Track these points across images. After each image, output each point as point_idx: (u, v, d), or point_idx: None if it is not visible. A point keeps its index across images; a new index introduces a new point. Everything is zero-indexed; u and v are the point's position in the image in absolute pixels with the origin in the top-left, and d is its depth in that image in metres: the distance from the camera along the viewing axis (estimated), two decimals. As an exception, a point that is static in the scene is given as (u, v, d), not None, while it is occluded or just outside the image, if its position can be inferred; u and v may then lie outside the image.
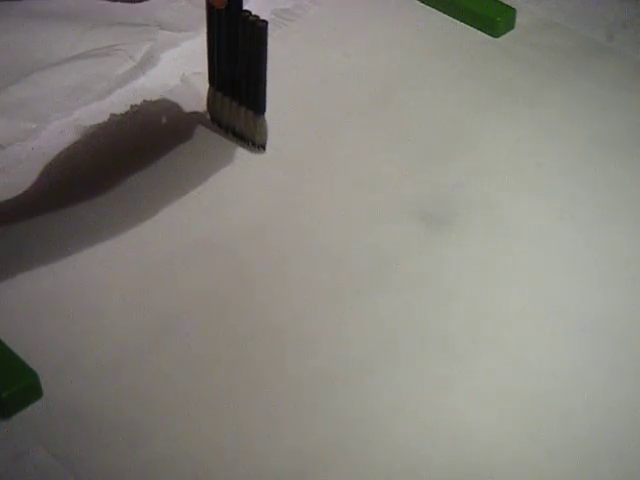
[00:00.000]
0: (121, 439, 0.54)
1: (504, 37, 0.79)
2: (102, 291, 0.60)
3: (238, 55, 0.66)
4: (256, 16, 0.65)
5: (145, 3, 0.80)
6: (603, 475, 0.53)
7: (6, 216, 0.64)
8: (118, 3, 0.81)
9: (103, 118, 0.72)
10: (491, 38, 0.79)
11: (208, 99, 0.70)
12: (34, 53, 0.70)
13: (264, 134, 0.68)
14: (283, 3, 0.82)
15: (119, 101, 0.73)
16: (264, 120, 0.67)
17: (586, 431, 0.54)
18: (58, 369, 0.56)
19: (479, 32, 0.79)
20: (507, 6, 0.80)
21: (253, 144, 0.68)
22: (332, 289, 0.61)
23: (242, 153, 0.69)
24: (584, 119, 0.72)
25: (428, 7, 0.82)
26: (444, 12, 0.81)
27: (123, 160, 0.68)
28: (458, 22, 0.80)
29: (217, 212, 0.65)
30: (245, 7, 0.82)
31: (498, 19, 0.79)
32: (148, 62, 0.76)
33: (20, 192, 0.66)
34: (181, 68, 0.76)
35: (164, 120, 0.71)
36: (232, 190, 0.66)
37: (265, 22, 0.65)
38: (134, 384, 0.56)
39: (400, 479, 0.52)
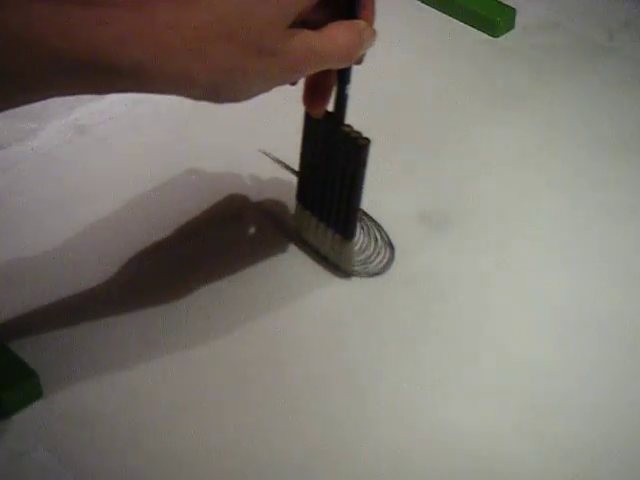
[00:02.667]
0: (121, 439, 0.54)
1: (504, 37, 0.79)
2: (102, 291, 0.60)
3: (333, 173, 0.60)
4: (358, 132, 0.59)
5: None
6: (604, 475, 0.53)
7: (6, 217, 0.64)
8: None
9: (103, 118, 0.72)
10: (491, 38, 0.79)
11: (294, 213, 0.64)
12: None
13: (350, 260, 0.62)
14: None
15: (119, 101, 0.73)
16: (352, 247, 0.61)
17: (586, 431, 0.54)
18: (58, 369, 0.56)
19: (479, 32, 0.79)
20: (507, 6, 0.80)
21: (338, 268, 0.62)
22: (331, 291, 0.61)
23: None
24: (584, 119, 0.72)
25: (428, 7, 0.82)
26: (444, 12, 0.81)
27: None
28: (458, 22, 0.80)
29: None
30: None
31: (498, 19, 0.79)
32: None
33: (22, 194, 0.66)
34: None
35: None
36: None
37: (367, 140, 0.58)
38: (134, 384, 0.56)
39: (399, 478, 0.52)
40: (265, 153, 0.69)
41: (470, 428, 0.54)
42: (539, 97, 0.74)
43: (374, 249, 0.63)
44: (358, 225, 0.64)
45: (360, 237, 0.64)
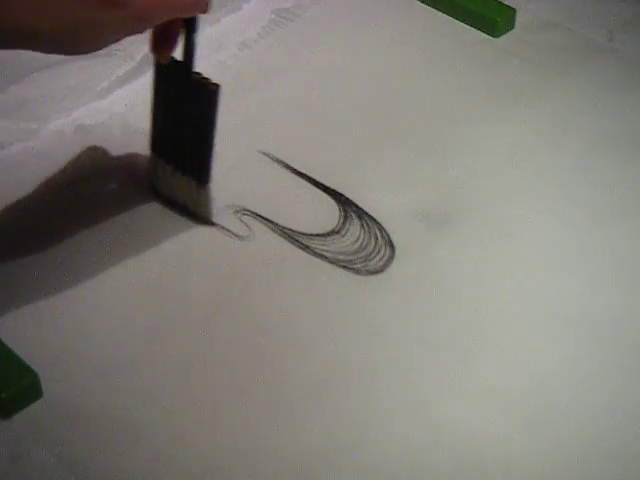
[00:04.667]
0: (121, 439, 0.54)
1: (504, 37, 0.79)
2: (102, 290, 0.60)
3: (185, 120, 0.61)
4: (207, 78, 0.60)
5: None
6: (604, 475, 0.53)
7: (6, 217, 0.64)
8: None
9: (103, 118, 0.72)
10: (491, 38, 0.79)
11: (149, 165, 0.65)
12: (34, 53, 0.70)
13: (208, 207, 0.63)
14: (283, 3, 0.82)
15: (119, 101, 0.73)
16: (208, 192, 0.63)
17: (586, 431, 0.54)
18: (58, 369, 0.56)
19: (479, 32, 0.79)
20: (507, 6, 0.80)
21: (196, 217, 0.63)
22: (331, 290, 0.61)
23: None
24: (584, 119, 0.72)
25: (428, 7, 0.82)
26: (444, 12, 0.81)
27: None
28: (458, 22, 0.80)
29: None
30: (245, 7, 0.83)
31: (498, 19, 0.79)
32: (148, 62, 0.76)
33: (22, 194, 0.66)
34: (181, 68, 0.76)
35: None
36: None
37: (217, 85, 0.60)
38: (134, 384, 0.56)
39: (399, 478, 0.52)
40: (265, 153, 0.69)
41: (470, 428, 0.54)
42: (539, 97, 0.74)
43: (374, 247, 0.63)
44: (358, 223, 0.64)
45: (360, 235, 0.64)
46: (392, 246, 0.63)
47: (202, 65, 0.76)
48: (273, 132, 0.71)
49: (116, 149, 0.68)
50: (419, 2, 0.82)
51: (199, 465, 0.53)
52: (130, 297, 0.60)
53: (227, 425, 0.54)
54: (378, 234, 0.64)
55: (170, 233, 0.63)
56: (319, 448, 0.53)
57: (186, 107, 0.61)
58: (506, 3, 0.80)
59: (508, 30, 0.80)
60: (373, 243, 0.63)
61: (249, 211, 0.65)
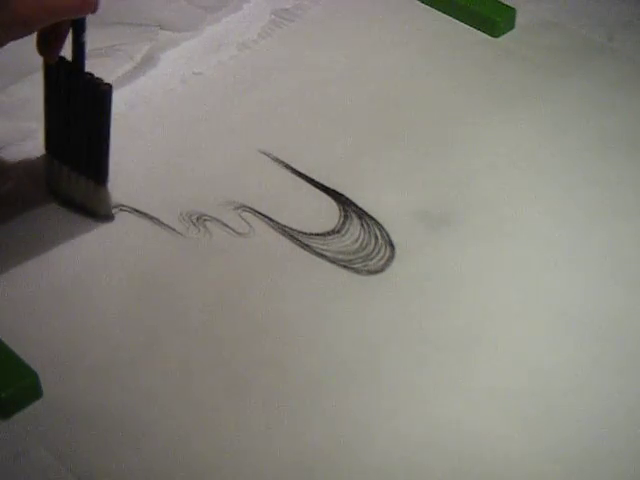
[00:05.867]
0: (121, 439, 0.53)
1: (504, 37, 0.79)
2: (102, 290, 0.60)
3: (79, 121, 0.61)
4: (99, 78, 0.60)
5: (145, 3, 0.80)
6: (603, 475, 0.53)
7: (6, 216, 0.64)
8: (118, 2, 0.81)
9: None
10: (491, 38, 0.79)
11: (44, 166, 0.65)
12: (34, 53, 0.70)
13: (107, 205, 0.63)
14: (283, 3, 0.82)
15: (119, 101, 0.73)
16: (106, 192, 0.63)
17: (586, 431, 0.54)
18: (58, 369, 0.56)
19: (479, 32, 0.79)
20: (507, 6, 0.80)
21: (95, 215, 0.63)
22: (331, 289, 0.61)
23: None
24: (584, 119, 0.72)
25: (428, 7, 0.82)
26: (444, 12, 0.81)
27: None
28: (458, 22, 0.80)
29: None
30: (245, 7, 0.84)
31: (498, 19, 0.79)
32: (148, 62, 0.76)
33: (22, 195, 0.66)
34: (181, 68, 0.76)
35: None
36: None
37: (109, 85, 0.59)
38: (134, 384, 0.56)
39: (399, 478, 0.52)
40: (265, 153, 0.69)
41: (470, 428, 0.54)
42: (539, 97, 0.74)
43: (374, 247, 0.63)
44: (358, 223, 0.64)
45: (360, 235, 0.64)
46: (392, 246, 0.63)
47: (202, 65, 0.76)
48: (273, 132, 0.71)
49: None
50: (419, 2, 0.82)
51: (199, 465, 0.53)
52: (130, 297, 0.60)
53: (227, 425, 0.54)
54: (378, 234, 0.64)
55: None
56: (319, 448, 0.53)
57: (79, 108, 0.60)
58: (506, 3, 0.80)
59: (508, 30, 0.80)
60: (373, 243, 0.63)
61: (249, 208, 0.65)
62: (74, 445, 0.53)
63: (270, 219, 0.65)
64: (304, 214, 0.65)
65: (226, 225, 0.64)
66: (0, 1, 0.50)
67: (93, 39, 0.76)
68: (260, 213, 0.65)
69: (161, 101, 0.73)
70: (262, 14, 0.81)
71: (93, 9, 0.56)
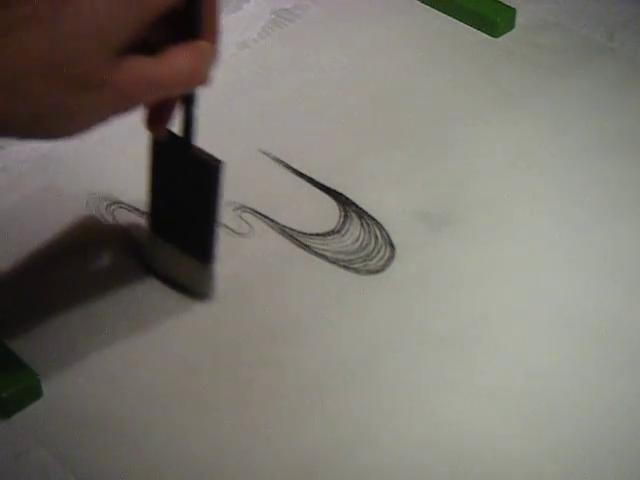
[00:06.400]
0: (121, 439, 0.53)
1: (504, 37, 0.79)
2: (103, 290, 0.60)
3: (184, 196, 0.57)
4: (209, 154, 0.55)
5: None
6: (603, 475, 0.53)
7: (6, 216, 0.64)
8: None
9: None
10: (491, 38, 0.79)
11: (146, 242, 0.61)
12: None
13: (211, 285, 0.59)
14: (283, 3, 0.82)
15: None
16: (211, 272, 0.58)
17: (586, 431, 0.54)
18: (58, 369, 0.56)
19: (479, 32, 0.79)
20: (507, 6, 0.80)
21: (196, 294, 0.59)
22: (331, 289, 0.61)
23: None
24: (584, 119, 0.72)
25: (428, 7, 0.82)
26: (444, 12, 0.81)
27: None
28: (458, 22, 0.80)
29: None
30: (245, 7, 0.84)
31: (498, 19, 0.79)
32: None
33: (22, 195, 0.66)
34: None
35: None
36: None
37: (219, 162, 0.55)
38: (134, 384, 0.56)
39: (399, 478, 0.52)
40: (265, 153, 0.69)
41: (470, 428, 0.54)
42: (539, 97, 0.74)
43: (374, 247, 0.63)
44: (358, 223, 0.64)
45: (360, 235, 0.64)
46: (392, 246, 0.63)
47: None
48: (273, 132, 0.71)
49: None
50: (419, 2, 0.82)
51: (200, 465, 0.53)
52: (131, 296, 0.60)
53: (227, 425, 0.54)
54: (378, 234, 0.64)
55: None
56: (320, 448, 0.53)
57: (186, 184, 0.56)
58: (506, 3, 0.80)
59: (508, 30, 0.80)
60: (373, 243, 0.63)
61: (249, 208, 0.65)
62: (74, 445, 0.53)
63: (270, 219, 0.65)
64: (304, 214, 0.65)
65: (226, 225, 0.64)
66: (103, 77, 0.47)
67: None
68: (260, 213, 0.65)
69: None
70: (262, 14, 0.81)
71: (205, 82, 0.51)
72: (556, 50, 0.78)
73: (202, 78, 0.51)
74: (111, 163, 0.68)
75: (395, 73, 0.76)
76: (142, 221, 0.62)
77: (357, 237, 0.63)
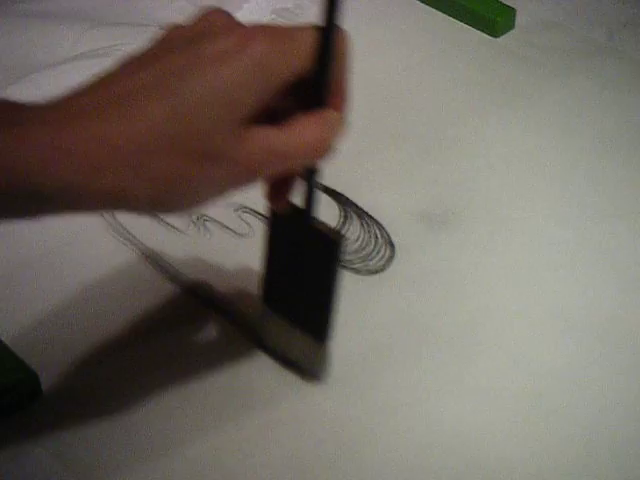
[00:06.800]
0: (121, 439, 0.53)
1: (504, 37, 0.79)
2: (102, 291, 0.60)
3: (302, 271, 0.53)
4: (330, 227, 0.52)
5: (145, 3, 0.80)
6: (603, 475, 0.53)
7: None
8: (118, 2, 0.81)
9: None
10: (491, 38, 0.79)
11: (257, 314, 0.57)
12: (34, 53, 0.70)
13: (324, 364, 0.55)
14: (283, 3, 0.82)
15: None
16: (326, 350, 0.55)
17: (586, 431, 0.54)
18: (58, 369, 0.56)
19: (479, 32, 0.79)
20: (507, 6, 0.80)
21: (306, 373, 0.56)
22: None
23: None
24: (584, 119, 0.72)
25: (428, 7, 0.82)
26: (444, 12, 0.81)
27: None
28: (458, 22, 0.80)
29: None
30: (245, 7, 0.84)
31: (498, 19, 0.79)
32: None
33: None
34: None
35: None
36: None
37: (341, 236, 0.52)
38: (135, 384, 0.56)
39: (398, 478, 0.52)
40: None
41: (470, 428, 0.54)
42: (539, 97, 0.74)
43: (374, 247, 0.63)
44: (358, 223, 0.64)
45: (360, 234, 0.64)
46: (392, 246, 0.63)
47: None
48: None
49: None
50: (419, 2, 0.82)
51: (200, 465, 0.53)
52: (131, 296, 0.60)
53: (227, 425, 0.54)
54: (378, 234, 0.64)
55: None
56: (320, 448, 0.53)
57: (305, 258, 0.53)
58: (506, 3, 0.80)
59: (508, 30, 0.80)
60: (373, 243, 0.63)
61: (249, 208, 0.65)
62: (74, 445, 0.53)
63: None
64: (304, 214, 0.65)
65: (226, 226, 0.64)
66: (227, 150, 0.44)
67: (94, 39, 0.76)
68: (260, 213, 0.65)
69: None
70: (262, 14, 0.81)
71: (329, 152, 0.49)
72: (556, 50, 0.78)
73: (328, 149, 0.48)
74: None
75: (395, 73, 0.76)
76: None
77: (357, 237, 0.63)
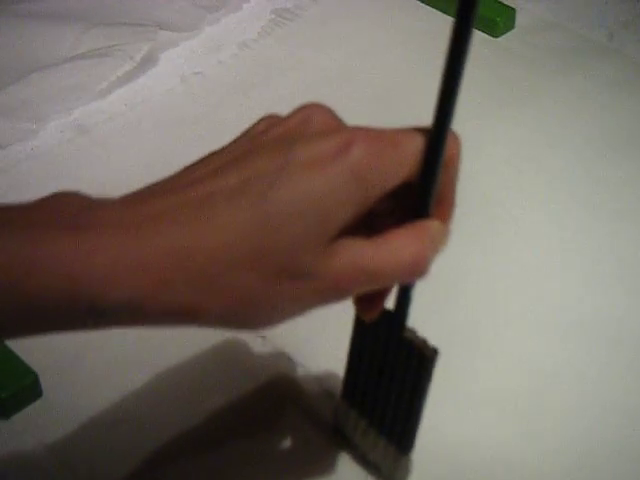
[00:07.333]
0: (122, 439, 0.53)
1: (504, 37, 0.79)
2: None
3: (391, 378, 0.49)
4: (424, 340, 0.48)
5: (145, 3, 0.80)
6: (603, 475, 0.53)
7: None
8: (118, 2, 0.81)
9: (103, 118, 0.72)
10: (491, 38, 0.79)
11: (336, 411, 0.53)
12: (34, 53, 0.70)
13: (405, 475, 0.52)
14: (283, 3, 0.82)
15: (119, 101, 0.73)
16: (408, 461, 0.51)
17: (586, 431, 0.54)
18: (58, 369, 0.56)
19: (479, 32, 0.79)
20: (507, 6, 0.80)
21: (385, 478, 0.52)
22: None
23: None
24: (584, 119, 0.72)
25: (428, 7, 0.82)
26: (444, 12, 0.81)
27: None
28: (458, 22, 0.80)
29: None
30: (245, 7, 0.84)
31: (498, 19, 0.79)
32: (148, 62, 0.76)
33: (22, 196, 0.66)
34: (181, 68, 0.76)
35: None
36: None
37: (435, 351, 0.47)
38: (135, 384, 0.56)
39: (400, 479, 0.52)
40: None
41: (469, 428, 0.54)
42: (539, 97, 0.74)
43: None
44: None
45: None
46: None
47: (202, 65, 0.76)
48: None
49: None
50: (419, 2, 0.82)
51: (201, 465, 0.53)
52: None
53: (228, 425, 0.54)
54: None
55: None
56: (319, 448, 0.53)
57: (395, 367, 0.49)
58: (506, 3, 0.80)
59: (508, 30, 0.80)
60: None
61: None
62: (74, 445, 0.53)
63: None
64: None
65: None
66: (314, 267, 0.39)
67: (94, 39, 0.76)
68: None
69: (161, 101, 0.73)
70: (262, 13, 0.82)
71: (426, 272, 0.43)
72: (556, 50, 0.78)
73: (427, 267, 0.43)
74: (112, 162, 0.68)
75: (395, 73, 0.76)
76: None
77: None
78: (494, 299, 0.61)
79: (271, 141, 0.41)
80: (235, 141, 0.42)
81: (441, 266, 0.62)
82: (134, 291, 0.37)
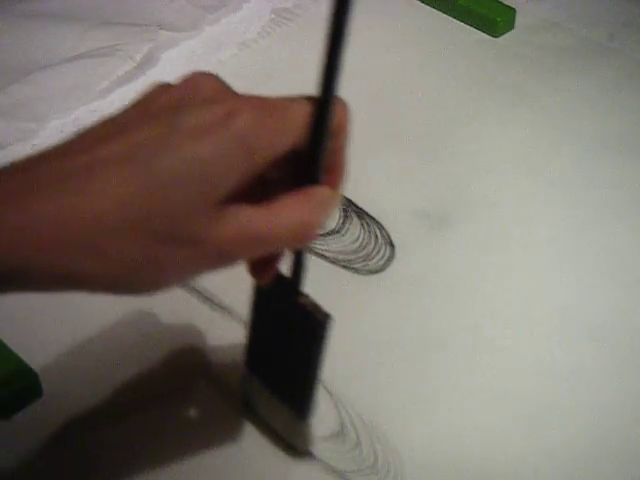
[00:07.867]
0: (122, 439, 0.53)
1: (504, 37, 0.79)
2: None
3: (286, 346, 0.50)
4: (316, 305, 0.48)
5: (145, 3, 0.80)
6: (603, 475, 0.53)
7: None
8: (118, 2, 0.81)
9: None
10: (491, 38, 0.79)
11: (242, 380, 0.54)
12: (34, 53, 0.70)
13: (306, 441, 0.53)
14: (283, 3, 0.82)
15: (119, 101, 0.73)
16: (307, 427, 0.52)
17: (586, 431, 0.54)
18: (58, 369, 0.56)
19: (479, 32, 0.79)
20: (507, 6, 0.80)
21: (290, 448, 0.53)
22: (331, 289, 0.61)
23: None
24: (584, 119, 0.72)
25: (428, 7, 0.82)
26: (444, 12, 0.81)
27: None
28: (458, 22, 0.80)
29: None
30: (245, 7, 0.84)
31: (498, 19, 0.79)
32: (148, 62, 0.76)
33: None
34: (181, 68, 0.76)
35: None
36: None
37: (327, 316, 0.48)
38: (135, 384, 0.56)
39: (399, 478, 0.52)
40: None
41: (470, 428, 0.54)
42: (539, 97, 0.74)
43: (374, 247, 0.63)
44: (358, 223, 0.64)
45: (360, 234, 0.64)
46: (392, 246, 0.63)
47: (202, 65, 0.76)
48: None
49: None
50: (419, 2, 0.82)
51: (201, 465, 0.53)
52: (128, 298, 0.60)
53: (228, 425, 0.54)
54: (378, 234, 0.64)
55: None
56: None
57: (289, 333, 0.50)
58: (506, 3, 0.80)
59: (508, 30, 0.80)
60: (373, 243, 0.63)
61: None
62: (74, 445, 0.53)
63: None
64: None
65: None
66: (200, 232, 0.40)
67: (94, 39, 0.76)
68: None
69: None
70: (262, 13, 0.81)
71: (315, 236, 0.43)
72: (556, 50, 0.78)
73: (316, 232, 0.43)
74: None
75: (395, 73, 0.76)
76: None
77: (357, 237, 0.63)
78: (494, 298, 0.61)
79: (158, 109, 0.41)
80: (125, 110, 0.43)
81: (441, 266, 0.63)
82: (21, 254, 0.38)
